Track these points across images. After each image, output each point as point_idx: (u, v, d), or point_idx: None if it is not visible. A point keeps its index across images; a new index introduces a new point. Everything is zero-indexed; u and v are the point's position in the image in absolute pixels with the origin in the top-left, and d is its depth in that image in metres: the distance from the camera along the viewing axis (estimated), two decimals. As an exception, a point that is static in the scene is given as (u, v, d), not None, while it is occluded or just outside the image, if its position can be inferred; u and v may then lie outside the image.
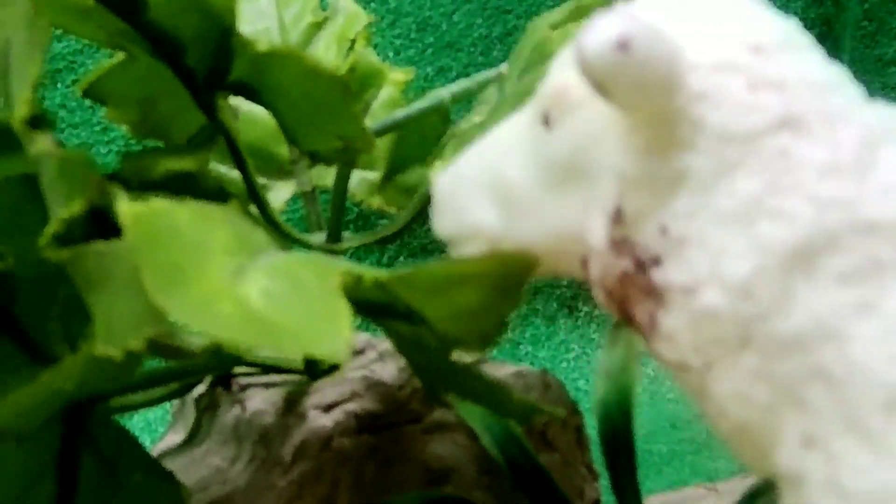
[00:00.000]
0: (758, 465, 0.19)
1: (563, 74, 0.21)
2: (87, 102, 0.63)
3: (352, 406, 0.34)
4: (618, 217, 0.19)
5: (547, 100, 0.21)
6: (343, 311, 0.19)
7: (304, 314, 0.18)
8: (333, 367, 0.37)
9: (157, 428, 0.54)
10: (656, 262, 0.19)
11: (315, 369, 0.36)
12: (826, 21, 0.74)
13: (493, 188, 0.22)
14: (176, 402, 0.42)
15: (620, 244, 0.19)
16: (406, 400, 0.35)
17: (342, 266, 0.21)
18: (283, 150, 0.41)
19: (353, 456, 0.33)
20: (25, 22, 0.21)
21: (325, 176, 0.41)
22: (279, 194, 0.41)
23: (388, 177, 0.41)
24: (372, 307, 0.25)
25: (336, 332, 0.18)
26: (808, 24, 0.62)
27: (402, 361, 0.36)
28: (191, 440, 0.38)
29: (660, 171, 0.19)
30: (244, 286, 0.19)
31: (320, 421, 0.33)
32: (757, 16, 0.20)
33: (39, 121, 0.22)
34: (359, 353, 0.39)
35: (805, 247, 0.17)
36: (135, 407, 0.38)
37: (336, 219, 0.36)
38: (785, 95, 0.19)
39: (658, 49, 0.18)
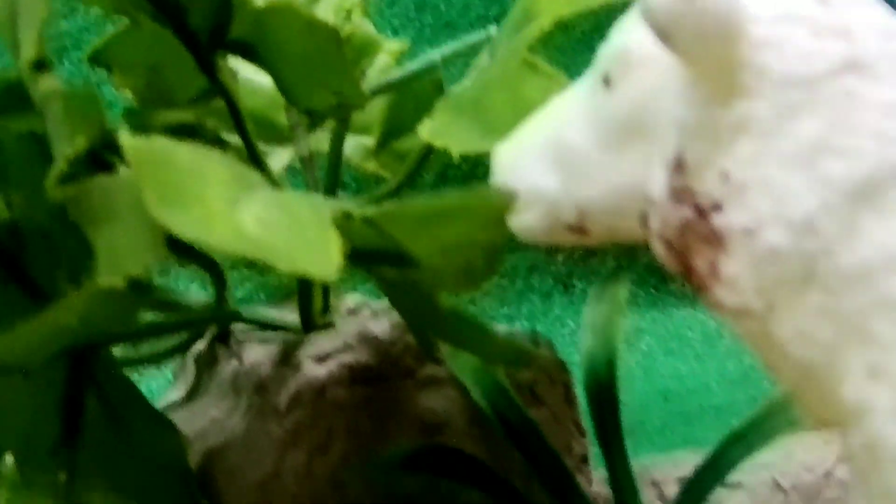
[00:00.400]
0: (821, 411, 0.19)
1: (623, 37, 0.22)
2: (93, 79, 0.64)
3: (346, 357, 0.35)
4: (679, 166, 0.20)
5: (607, 62, 0.22)
6: (333, 237, 0.20)
7: (296, 239, 0.20)
8: (329, 324, 0.38)
9: (157, 398, 0.55)
10: (717, 207, 0.19)
11: (311, 325, 0.38)
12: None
13: (553, 154, 0.23)
14: (176, 362, 0.43)
15: (681, 193, 0.20)
16: (399, 355, 0.36)
17: (337, 205, 0.22)
18: (282, 118, 0.42)
19: (347, 406, 0.34)
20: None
21: (323, 142, 0.42)
22: (278, 160, 0.42)
23: (383, 143, 0.42)
24: (362, 254, 0.26)
25: (326, 254, 0.19)
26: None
27: (396, 318, 0.37)
28: (191, 396, 0.39)
29: (721, 120, 0.19)
30: (240, 213, 0.20)
31: (314, 371, 0.34)
32: None
33: (44, 64, 0.23)
34: (353, 312, 0.40)
35: (870, 180, 0.18)
36: (137, 362, 0.39)
37: (332, 179, 0.37)
38: (849, 41, 0.19)
39: None
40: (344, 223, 0.22)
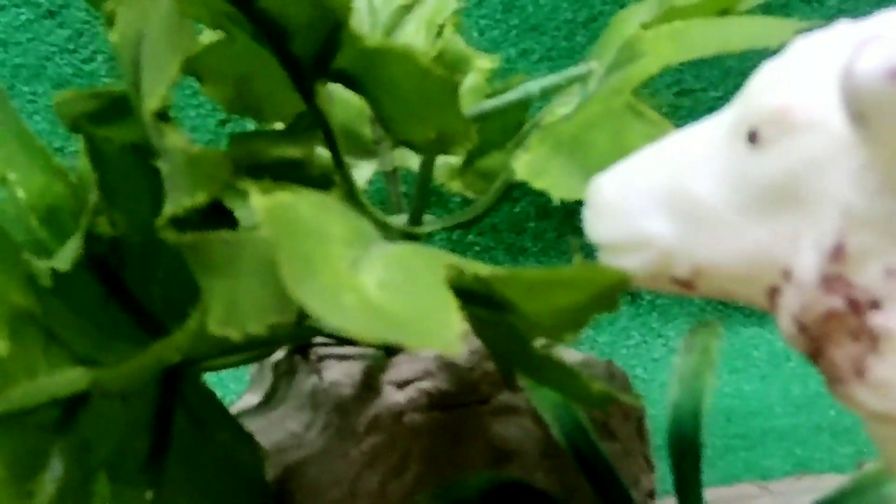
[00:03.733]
0: None
1: (781, 92, 0.20)
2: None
3: (425, 384, 0.35)
4: (837, 253, 0.18)
5: (759, 116, 0.20)
6: (453, 305, 0.20)
7: (417, 307, 0.20)
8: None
9: (228, 384, 0.56)
10: (875, 305, 0.18)
11: (392, 347, 0.38)
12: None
13: (670, 201, 0.21)
14: (254, 365, 0.44)
15: (833, 282, 0.18)
16: (476, 382, 0.36)
17: (447, 259, 0.22)
18: (367, 131, 0.43)
19: (424, 431, 0.35)
20: (166, 18, 0.22)
21: (407, 158, 0.42)
22: (361, 173, 0.42)
23: (469, 161, 0.42)
24: (462, 292, 0.26)
25: (448, 326, 0.19)
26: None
27: (475, 345, 0.37)
28: (268, 402, 0.40)
29: None
30: (363, 277, 0.20)
31: (394, 397, 0.35)
32: None
33: (165, 115, 0.23)
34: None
35: None
36: (217, 368, 0.39)
37: (419, 202, 0.37)
38: None
39: None
40: (456, 279, 0.22)
